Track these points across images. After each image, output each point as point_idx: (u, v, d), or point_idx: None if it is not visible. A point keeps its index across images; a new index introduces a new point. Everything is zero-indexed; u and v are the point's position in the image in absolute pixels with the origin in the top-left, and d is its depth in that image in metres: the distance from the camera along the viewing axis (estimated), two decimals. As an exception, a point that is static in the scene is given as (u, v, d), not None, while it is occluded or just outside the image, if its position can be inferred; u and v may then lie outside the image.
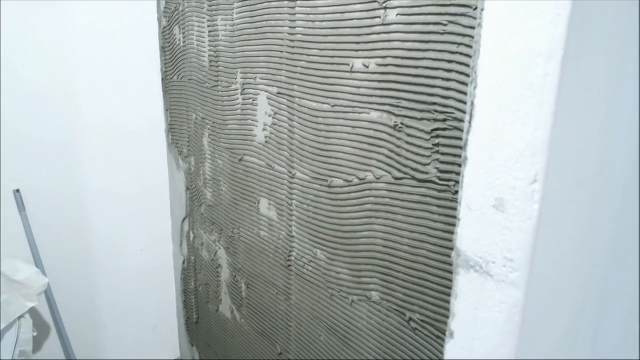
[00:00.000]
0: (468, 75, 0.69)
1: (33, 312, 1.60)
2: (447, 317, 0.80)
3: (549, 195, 0.43)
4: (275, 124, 1.19)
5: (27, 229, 1.62)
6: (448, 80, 0.74)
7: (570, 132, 0.43)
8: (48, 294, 1.67)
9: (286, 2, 1.07)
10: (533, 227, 0.44)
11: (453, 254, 0.54)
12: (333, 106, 0.99)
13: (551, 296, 0.47)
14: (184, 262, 1.95)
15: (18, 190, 1.59)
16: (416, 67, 0.79)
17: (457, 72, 0.72)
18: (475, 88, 0.50)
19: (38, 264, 1.63)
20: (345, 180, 0.99)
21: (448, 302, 0.80)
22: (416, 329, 0.88)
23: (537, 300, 0.47)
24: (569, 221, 0.46)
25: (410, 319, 0.89)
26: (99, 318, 1.89)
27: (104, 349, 1.93)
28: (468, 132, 0.51)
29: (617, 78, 0.48)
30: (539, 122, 0.42)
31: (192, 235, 1.83)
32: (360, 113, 0.92)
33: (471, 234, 0.50)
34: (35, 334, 1.55)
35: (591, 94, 0.45)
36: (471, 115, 0.49)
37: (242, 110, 1.33)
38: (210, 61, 1.45)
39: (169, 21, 1.69)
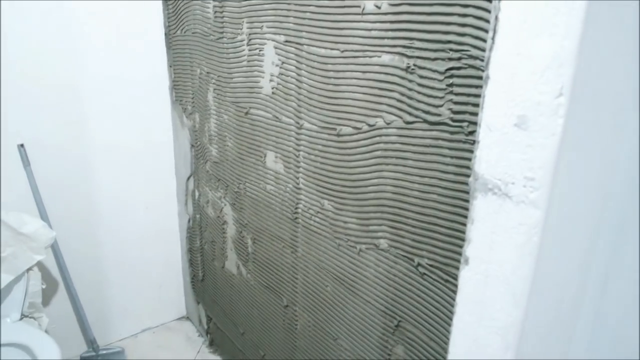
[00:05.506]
0: (487, 10, 0.67)
1: (40, 266, 1.62)
2: (456, 260, 0.80)
3: (574, 110, 0.42)
4: (282, 74, 1.17)
5: (32, 184, 1.61)
6: (464, 15, 0.71)
7: (599, 43, 0.41)
8: (55, 248, 1.68)
9: (295, -56, 1.03)
10: (557, 143, 0.43)
11: (470, 178, 0.53)
12: (343, 51, 0.96)
13: (571, 216, 0.47)
14: (189, 221, 1.96)
15: (22, 145, 1.58)
16: (431, 5, 0.76)
17: (474, 7, 0.70)
18: (499, 0, 0.48)
19: (44, 218, 1.64)
20: (355, 128, 0.97)
21: (457, 245, 0.80)
22: (424, 274, 0.88)
23: (556, 220, 0.46)
24: (593, 138, 0.45)
25: (419, 264, 0.89)
26: (106, 275, 1.91)
27: (111, 305, 1.96)
28: (490, 49, 0.49)
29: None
30: (568, 31, 0.40)
31: (197, 193, 1.83)
32: (371, 57, 0.90)
33: (490, 156, 0.49)
34: (44, 286, 1.57)
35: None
36: (494, 31, 0.47)
37: (248, 61, 1.30)
38: (215, 12, 1.41)
39: (171, -28, 1.64)
